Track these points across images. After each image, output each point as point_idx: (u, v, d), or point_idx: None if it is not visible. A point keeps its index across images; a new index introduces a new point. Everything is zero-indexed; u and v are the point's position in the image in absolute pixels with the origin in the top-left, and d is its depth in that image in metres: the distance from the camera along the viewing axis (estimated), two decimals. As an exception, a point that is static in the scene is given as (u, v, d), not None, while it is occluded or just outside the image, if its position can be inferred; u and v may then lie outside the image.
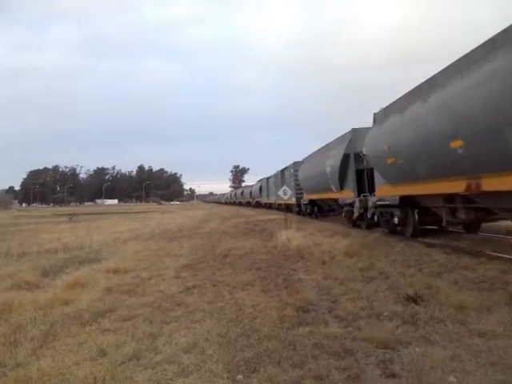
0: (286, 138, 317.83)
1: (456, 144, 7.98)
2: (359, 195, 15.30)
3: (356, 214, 15.72)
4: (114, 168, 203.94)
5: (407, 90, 10.68)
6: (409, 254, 9.04)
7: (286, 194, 18.15)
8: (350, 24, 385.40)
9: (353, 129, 16.10)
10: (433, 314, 4.70)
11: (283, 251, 10.53)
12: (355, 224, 16.58)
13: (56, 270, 9.03)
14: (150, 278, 7.75)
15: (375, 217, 14.20)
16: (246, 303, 5.57)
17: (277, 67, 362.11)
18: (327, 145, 19.90)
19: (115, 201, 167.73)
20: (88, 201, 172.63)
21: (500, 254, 8.19)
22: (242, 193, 70.70)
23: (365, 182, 15.21)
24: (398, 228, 12.58)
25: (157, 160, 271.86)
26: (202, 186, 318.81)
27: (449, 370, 3.32)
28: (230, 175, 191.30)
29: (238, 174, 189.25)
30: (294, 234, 13.12)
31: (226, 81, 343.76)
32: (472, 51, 7.77)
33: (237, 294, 6.19)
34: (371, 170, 14.17)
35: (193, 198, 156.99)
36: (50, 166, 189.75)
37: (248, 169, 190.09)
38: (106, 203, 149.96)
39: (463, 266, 7.30)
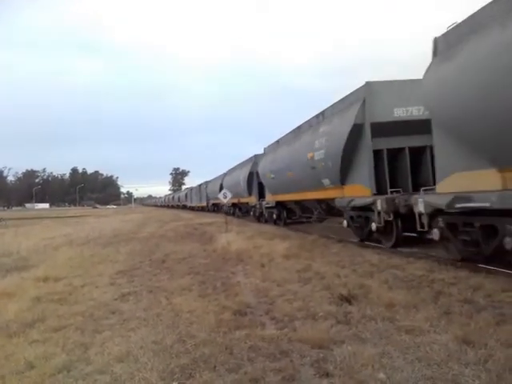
0: (225, 138, 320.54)
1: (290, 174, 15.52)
2: (259, 200, 22.51)
3: (258, 213, 23.18)
4: (44, 170, 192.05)
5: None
6: (344, 254, 9.34)
7: (226, 197, 18.74)
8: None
9: (254, 155, 23.30)
10: (364, 312, 4.87)
11: (223, 255, 10.49)
12: (259, 219, 23.27)
13: (-21, 280, 8.43)
14: (83, 286, 7.44)
15: (265, 214, 21.60)
16: (183, 308, 5.48)
17: (213, 68, 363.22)
18: (239, 164, 27.86)
19: (46, 205, 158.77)
20: (17, 205, 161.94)
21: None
22: (173, 197, 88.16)
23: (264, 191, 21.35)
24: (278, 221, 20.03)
25: (91, 162, 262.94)
26: (140, 189, 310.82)
27: (378, 367, 3.45)
28: (169, 178, 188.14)
29: (178, 176, 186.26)
30: (234, 237, 13.16)
31: (161, 80, 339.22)
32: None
33: (174, 299, 6.07)
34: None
35: (130, 202, 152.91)
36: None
37: (188, 171, 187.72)
38: (37, 207, 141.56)
39: (394, 266, 7.65)
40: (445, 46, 7.14)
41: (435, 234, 7.70)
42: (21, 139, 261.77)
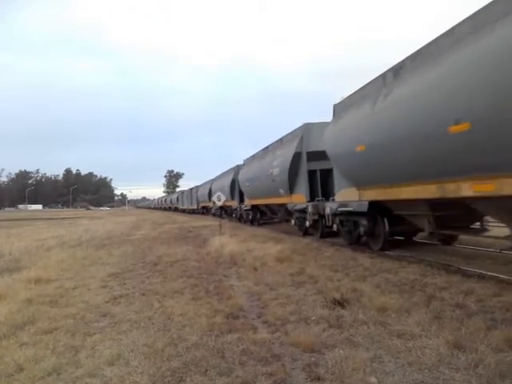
0: (220, 140, 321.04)
1: (259, 184, 19.50)
2: (240, 203, 26.12)
3: (239, 214, 26.86)
4: (38, 171, 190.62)
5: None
6: (337, 258, 9.35)
7: (219, 200, 18.92)
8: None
9: (237, 165, 26.64)
10: (357, 316, 4.88)
11: (216, 258, 10.46)
12: (240, 220, 26.95)
13: (-31, 281, 8.34)
14: (75, 288, 7.38)
15: (244, 216, 25.35)
16: (176, 312, 5.45)
17: (211, 70, 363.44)
18: (224, 172, 32.00)
19: (39, 206, 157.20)
20: (9, 206, 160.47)
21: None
22: (165, 200, 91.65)
23: (243, 196, 24.80)
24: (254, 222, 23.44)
25: (85, 163, 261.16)
26: (134, 191, 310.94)
27: (370, 371, 3.46)
28: (164, 180, 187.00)
29: (173, 178, 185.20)
30: (228, 240, 13.12)
31: (158, 82, 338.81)
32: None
33: (166, 302, 6.04)
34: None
35: (124, 204, 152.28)
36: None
37: (183, 174, 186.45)
38: (30, 208, 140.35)
39: (386, 270, 7.67)
40: (338, 111, 11.04)
41: (334, 227, 11.95)
42: (14, 140, 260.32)
